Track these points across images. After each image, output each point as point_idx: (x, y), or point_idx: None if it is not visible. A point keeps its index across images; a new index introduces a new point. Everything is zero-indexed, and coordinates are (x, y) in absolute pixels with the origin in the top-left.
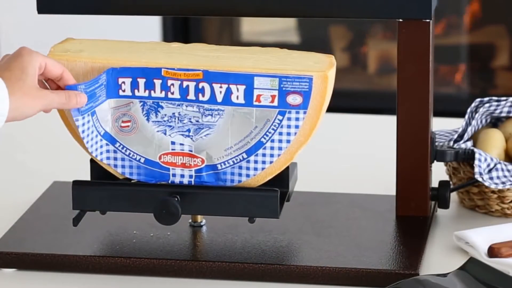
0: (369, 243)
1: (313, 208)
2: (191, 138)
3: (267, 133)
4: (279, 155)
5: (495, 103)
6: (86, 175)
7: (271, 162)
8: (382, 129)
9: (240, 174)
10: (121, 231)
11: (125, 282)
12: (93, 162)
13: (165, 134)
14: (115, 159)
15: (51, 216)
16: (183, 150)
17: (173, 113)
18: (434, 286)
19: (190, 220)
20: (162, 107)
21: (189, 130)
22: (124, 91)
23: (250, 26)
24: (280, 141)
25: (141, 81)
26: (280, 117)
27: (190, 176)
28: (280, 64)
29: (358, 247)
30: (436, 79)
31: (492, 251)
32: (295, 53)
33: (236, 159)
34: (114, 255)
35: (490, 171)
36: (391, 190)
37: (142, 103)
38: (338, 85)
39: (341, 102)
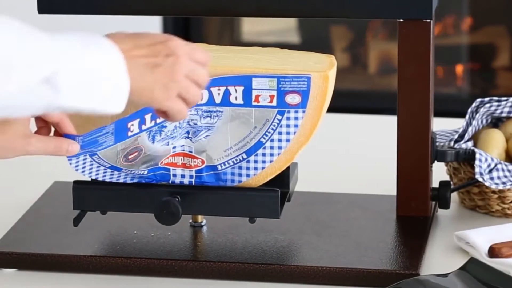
0: (369, 243)
1: (313, 208)
2: (191, 140)
3: (267, 133)
4: (279, 154)
5: (496, 103)
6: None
7: (271, 162)
8: (383, 129)
9: (240, 174)
10: (121, 231)
11: (125, 282)
12: None
13: (167, 145)
14: (119, 176)
15: (51, 216)
16: (183, 151)
17: (175, 126)
18: (434, 286)
19: (190, 220)
20: (165, 126)
21: (188, 132)
22: (132, 131)
23: (250, 26)
24: (279, 140)
25: (148, 116)
26: (279, 116)
27: (191, 177)
28: (280, 64)
29: (359, 247)
30: (436, 79)
31: (493, 251)
32: (296, 53)
33: (236, 160)
34: (114, 255)
35: (490, 171)
36: (392, 190)
37: (148, 132)
38: (339, 85)
39: (342, 102)
